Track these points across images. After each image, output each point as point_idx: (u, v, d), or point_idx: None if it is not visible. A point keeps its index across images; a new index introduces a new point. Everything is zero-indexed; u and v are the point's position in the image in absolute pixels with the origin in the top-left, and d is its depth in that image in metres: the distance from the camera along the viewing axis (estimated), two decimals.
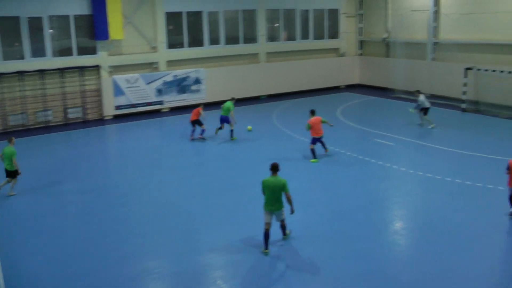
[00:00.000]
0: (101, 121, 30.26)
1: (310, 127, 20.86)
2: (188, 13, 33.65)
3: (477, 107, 30.07)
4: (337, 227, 14.61)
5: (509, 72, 27.81)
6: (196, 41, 34.27)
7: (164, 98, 32.61)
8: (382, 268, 12.25)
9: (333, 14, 40.19)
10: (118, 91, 30.78)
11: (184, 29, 33.55)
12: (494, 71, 28.67)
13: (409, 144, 23.53)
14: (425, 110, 26.20)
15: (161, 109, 32.68)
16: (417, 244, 13.76)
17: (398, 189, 17.91)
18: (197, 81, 33.62)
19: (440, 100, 32.72)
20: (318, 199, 16.87)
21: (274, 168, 13.11)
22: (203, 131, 25.10)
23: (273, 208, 12.90)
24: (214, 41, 34.87)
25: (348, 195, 17.24)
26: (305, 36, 38.95)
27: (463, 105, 30.11)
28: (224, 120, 25.13)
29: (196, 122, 24.85)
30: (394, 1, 37.78)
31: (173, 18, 33.22)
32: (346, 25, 40.82)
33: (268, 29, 37.17)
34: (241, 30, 35.94)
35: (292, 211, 13.09)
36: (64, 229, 15.10)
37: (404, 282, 11.58)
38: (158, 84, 32.14)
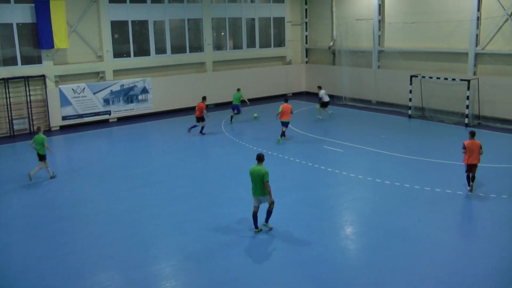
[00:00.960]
0: (48, 132, 30.55)
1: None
2: (134, 22, 34.66)
3: (423, 113, 32.19)
4: (286, 234, 15.14)
5: (453, 79, 29.91)
6: (142, 50, 35.27)
7: (112, 108, 33.41)
8: (333, 273, 12.74)
9: (279, 22, 42.06)
10: (64, 101, 31.41)
11: (130, 38, 34.44)
12: (438, 78, 30.80)
13: (358, 150, 24.70)
14: (325, 104, 31.36)
15: (108, 119, 33.42)
16: (367, 248, 14.29)
17: (348, 195, 18.70)
18: (144, 91, 34.57)
19: (387, 107, 34.80)
20: (266, 206, 17.36)
21: (259, 158, 14.91)
22: (202, 127, 28.46)
23: (258, 193, 14.83)
24: (160, 50, 35.96)
25: (298, 202, 17.92)
26: (251, 44, 40.60)
27: (409, 112, 32.13)
28: (235, 108, 31.27)
29: (200, 118, 28.16)
30: (339, 10, 39.86)
31: (118, 27, 34.16)
32: (292, 34, 42.75)
33: (214, 38, 38.57)
34: (187, 39, 37.12)
35: (271, 201, 14.81)
36: (10, 244, 15.17)
37: (355, 286, 12.14)
38: (105, 93, 32.93)
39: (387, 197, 18.44)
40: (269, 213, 15.29)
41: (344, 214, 17.27)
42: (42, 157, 21.48)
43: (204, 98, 29.08)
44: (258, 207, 15.12)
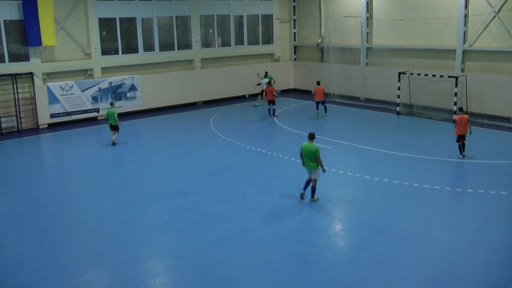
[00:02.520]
0: (36, 130, 30.53)
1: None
2: (122, 19, 34.51)
3: (411, 110, 32.30)
4: (275, 231, 15.19)
5: (441, 76, 30.04)
6: (130, 48, 35.17)
7: (100, 105, 33.27)
8: (322, 270, 12.80)
9: (267, 19, 42.07)
10: (52, 99, 31.26)
11: (118, 35, 34.31)
12: (426, 75, 30.91)
13: (347, 147, 24.76)
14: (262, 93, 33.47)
15: (97, 116, 33.30)
16: (356, 245, 14.39)
17: (336, 192, 18.66)
18: (133, 88, 34.46)
19: (375, 104, 34.93)
20: (257, 204, 17.56)
21: (311, 137, 17.08)
22: (274, 110, 31.26)
23: (308, 167, 17.01)
24: (149, 47, 35.87)
25: (286, 198, 17.94)
26: (239, 41, 40.57)
27: (398, 109, 32.26)
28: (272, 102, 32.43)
29: (272, 102, 30.77)
30: (327, 7, 39.92)
31: (106, 24, 34.02)
32: (280, 31, 42.76)
33: (202, 35, 38.51)
34: (176, 36, 37.04)
35: (323, 170, 16.98)
36: None
37: (344, 283, 12.18)
38: (93, 91, 32.80)
39: (376, 194, 18.54)
40: (313, 189, 17.41)
41: (333, 211, 17.25)
42: (114, 127, 26.08)
43: (269, 83, 32.91)
44: (310, 177, 17.23)
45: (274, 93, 31.45)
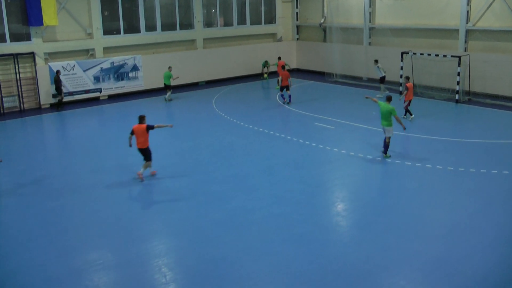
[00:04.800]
0: (38, 110, 30.47)
1: None
2: None
3: (414, 90, 31.96)
4: (278, 211, 15.19)
5: (444, 56, 29.81)
6: (132, 28, 34.96)
7: (102, 85, 33.16)
8: (325, 250, 12.82)
9: None
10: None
11: (120, 15, 34.08)
12: (429, 54, 30.70)
13: (349, 127, 24.68)
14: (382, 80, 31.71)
15: (99, 96, 33.20)
16: (358, 225, 14.43)
17: (338, 172, 18.76)
18: (135, 68, 34.32)
19: (378, 84, 34.60)
20: (259, 184, 17.58)
21: (388, 99, 19.54)
22: (290, 96, 29.91)
23: (383, 124, 19.23)
24: (151, 27, 35.64)
25: (289, 179, 17.94)
26: (242, 21, 40.30)
27: (400, 88, 32.06)
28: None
29: (286, 87, 29.51)
30: None
31: (108, 4, 33.76)
32: (283, 10, 42.43)
33: (204, 15, 38.26)
34: (178, 16, 36.78)
35: (404, 128, 19.47)
36: (1, 224, 15.19)
37: (346, 262, 12.18)
38: (95, 71, 32.66)
39: (378, 174, 18.58)
40: (386, 146, 19.47)
41: (335, 190, 17.32)
42: (168, 87, 31.54)
43: (283, 67, 30.47)
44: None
45: (289, 78, 29.63)
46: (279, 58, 36.34)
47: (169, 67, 32.01)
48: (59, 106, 30.48)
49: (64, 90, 31.06)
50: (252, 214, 15.19)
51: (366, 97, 21.82)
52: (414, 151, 20.87)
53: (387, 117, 19.06)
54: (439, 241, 13.25)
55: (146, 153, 18.02)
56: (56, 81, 30.29)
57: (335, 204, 16.09)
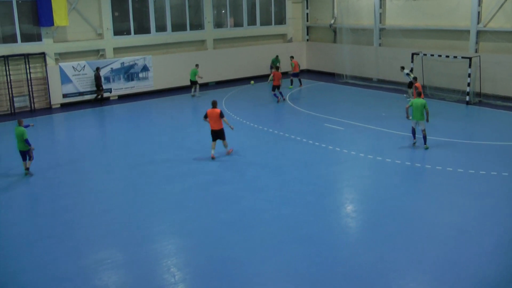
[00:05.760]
0: (48, 109, 30.61)
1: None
2: None
3: (424, 91, 31.83)
4: (287, 212, 15.13)
5: (454, 57, 29.62)
6: (142, 28, 35.03)
7: (112, 85, 33.27)
8: (334, 251, 12.75)
9: (280, 0, 41.57)
10: (65, 79, 31.28)
11: (130, 15, 34.18)
12: (439, 56, 30.46)
13: (359, 128, 24.53)
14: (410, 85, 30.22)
15: (109, 97, 33.28)
16: (368, 226, 14.35)
17: (348, 173, 18.72)
18: (145, 69, 34.42)
19: (388, 85, 34.62)
20: (267, 184, 17.50)
21: (419, 94, 21.60)
22: (281, 93, 31.01)
23: (416, 118, 20.30)
24: (161, 28, 35.69)
25: (298, 180, 17.88)
26: (252, 22, 40.28)
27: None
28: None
29: (278, 87, 30.52)
30: None
31: (118, 5, 33.85)
32: (293, 11, 42.36)
33: (215, 16, 38.27)
34: (188, 16, 36.83)
35: (427, 121, 20.51)
36: (11, 221, 15.25)
37: (355, 264, 12.09)
38: (105, 71, 32.76)
39: (387, 175, 18.40)
40: (424, 137, 20.60)
41: (345, 192, 17.27)
42: (193, 83, 32.87)
43: (278, 68, 32.08)
44: (415, 128, 20.80)
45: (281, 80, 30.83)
46: (292, 57, 36.32)
47: (196, 65, 33.26)
48: (100, 100, 32.04)
49: (74, 90, 31.13)
50: (261, 214, 15.15)
51: (408, 118, 21.90)
52: (424, 152, 20.67)
53: (421, 110, 20.18)
54: (449, 243, 13.17)
55: (221, 134, 20.09)
56: (96, 77, 31.40)
57: (345, 205, 16.00)
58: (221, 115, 19.78)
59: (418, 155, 20.42)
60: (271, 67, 37.81)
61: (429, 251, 12.74)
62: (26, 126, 19.35)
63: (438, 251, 12.71)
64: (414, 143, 21.16)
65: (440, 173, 18.31)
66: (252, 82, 35.81)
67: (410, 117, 21.16)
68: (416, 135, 21.11)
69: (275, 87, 30.56)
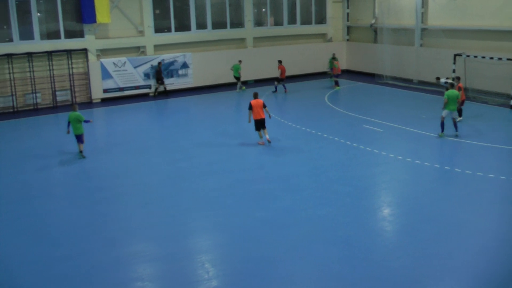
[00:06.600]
0: (89, 104, 31.25)
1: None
2: None
3: (466, 94, 31.20)
4: (323, 212, 14.95)
5: (499, 59, 28.90)
6: (183, 26, 35.29)
7: (152, 82, 33.61)
8: (368, 254, 12.48)
9: None
10: (105, 74, 31.77)
11: (171, 13, 34.45)
12: (483, 57, 29.73)
13: (398, 130, 24.15)
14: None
15: (148, 93, 33.64)
16: (404, 231, 14.01)
17: (386, 175, 18.27)
18: (185, 66, 34.66)
19: (428, 87, 34.03)
20: (305, 185, 17.33)
21: (452, 85, 22.36)
22: (284, 86, 33.37)
23: (453, 109, 21.79)
24: (201, 25, 35.91)
25: (336, 181, 17.63)
26: (292, 21, 40.14)
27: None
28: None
29: (282, 79, 32.95)
30: None
31: (159, 2, 34.22)
32: (333, 11, 42.08)
33: (255, 14, 38.28)
34: (228, 14, 36.92)
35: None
36: (51, 212, 15.58)
37: (390, 269, 11.82)
38: (145, 68, 33.13)
39: (425, 179, 17.93)
40: (455, 124, 22.12)
41: (382, 194, 16.95)
42: (237, 78, 33.43)
43: (280, 61, 33.81)
44: (445, 118, 21.97)
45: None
46: (334, 56, 36.46)
47: (239, 61, 34.01)
48: (164, 93, 33.48)
49: (114, 86, 31.57)
50: (297, 214, 14.97)
51: (457, 119, 23.05)
52: (465, 157, 20.22)
53: (455, 101, 21.69)
54: (489, 254, 12.55)
55: (264, 123, 21.54)
56: (158, 71, 32.55)
57: (381, 208, 15.66)
58: (264, 105, 21.39)
59: (457, 159, 20.01)
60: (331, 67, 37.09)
61: (467, 260, 12.26)
62: (87, 121, 20.49)
63: (476, 261, 12.21)
64: (442, 135, 22.15)
65: (481, 179, 17.63)
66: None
67: (445, 110, 22.02)
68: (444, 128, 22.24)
69: (281, 80, 33.03)
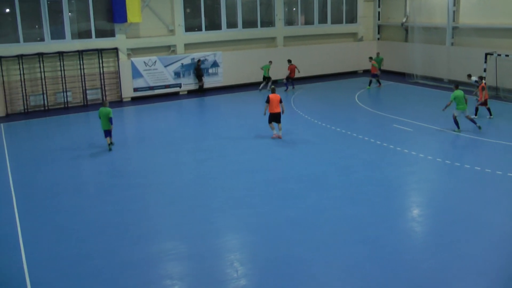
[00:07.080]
0: (119, 103, 31.50)
1: None
2: None
3: (496, 93, 30.82)
4: (353, 212, 14.91)
5: None
6: (213, 25, 35.39)
7: (182, 81, 33.77)
8: (397, 254, 12.45)
9: None
10: (136, 73, 32.01)
11: (201, 12, 34.58)
12: None
13: (428, 130, 23.94)
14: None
15: (179, 92, 33.83)
16: (433, 232, 13.92)
17: (416, 175, 18.13)
18: (215, 64, 34.75)
19: (460, 86, 33.37)
20: (334, 184, 17.34)
21: (457, 86, 23.06)
22: (293, 84, 34.45)
23: (463, 108, 22.51)
24: (232, 24, 35.95)
25: (365, 181, 17.53)
26: (323, 20, 39.96)
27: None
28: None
29: (292, 78, 33.75)
30: None
31: (190, 2, 34.37)
32: (364, 10, 41.79)
33: (285, 13, 38.19)
34: (259, 13, 36.91)
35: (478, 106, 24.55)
36: (80, 208, 15.75)
37: (419, 270, 11.75)
38: (175, 67, 33.30)
39: (456, 180, 17.78)
40: (472, 121, 22.86)
41: (411, 195, 16.81)
42: (265, 78, 33.45)
43: (290, 61, 34.40)
44: (458, 116, 22.72)
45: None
46: (371, 58, 35.45)
47: (270, 61, 33.99)
48: (201, 91, 33.90)
49: (144, 85, 31.82)
50: (326, 213, 14.99)
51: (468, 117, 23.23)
52: (495, 158, 19.86)
53: (463, 100, 22.46)
54: None
55: (279, 117, 22.48)
56: (197, 69, 33.33)
57: (411, 208, 15.56)
58: (281, 100, 22.26)
59: (488, 160, 19.53)
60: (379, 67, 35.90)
61: (497, 263, 12.06)
62: (111, 121, 21.13)
63: (507, 265, 12.06)
64: (459, 131, 22.85)
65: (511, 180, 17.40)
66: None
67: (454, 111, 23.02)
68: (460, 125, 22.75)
69: (289, 79, 34.10)
